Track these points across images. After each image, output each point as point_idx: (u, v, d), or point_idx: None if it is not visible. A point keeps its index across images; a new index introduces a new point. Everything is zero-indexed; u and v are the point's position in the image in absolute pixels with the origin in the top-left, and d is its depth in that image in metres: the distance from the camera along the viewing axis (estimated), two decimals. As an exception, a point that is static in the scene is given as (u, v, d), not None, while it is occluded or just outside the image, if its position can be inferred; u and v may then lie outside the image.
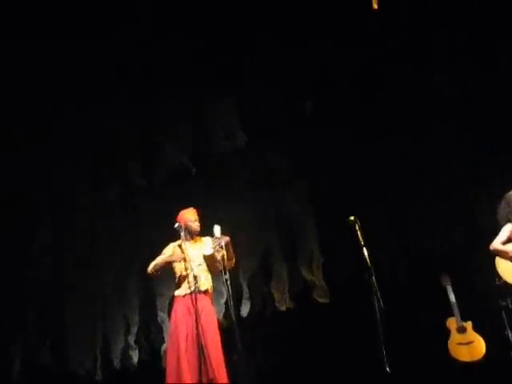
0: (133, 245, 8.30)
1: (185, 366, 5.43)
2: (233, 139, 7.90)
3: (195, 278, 5.68)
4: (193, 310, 5.57)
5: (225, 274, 5.73)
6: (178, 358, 5.48)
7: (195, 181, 8.05)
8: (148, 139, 7.90)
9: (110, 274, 8.36)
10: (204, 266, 5.89)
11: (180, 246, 5.91)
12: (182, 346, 5.51)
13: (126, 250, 8.36)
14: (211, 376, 5.42)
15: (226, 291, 6.01)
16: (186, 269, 5.77)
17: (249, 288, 8.28)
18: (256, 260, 8.30)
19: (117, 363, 8.26)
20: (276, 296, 8.24)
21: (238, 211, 8.19)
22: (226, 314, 7.59)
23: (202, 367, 5.36)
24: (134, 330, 8.34)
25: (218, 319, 6.22)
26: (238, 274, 8.09)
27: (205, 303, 5.72)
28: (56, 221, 8.08)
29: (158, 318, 8.23)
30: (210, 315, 5.74)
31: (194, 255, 5.87)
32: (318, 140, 7.87)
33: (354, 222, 5.78)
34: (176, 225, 5.94)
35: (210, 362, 5.45)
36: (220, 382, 5.44)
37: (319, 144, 7.85)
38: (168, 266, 5.93)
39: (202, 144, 7.95)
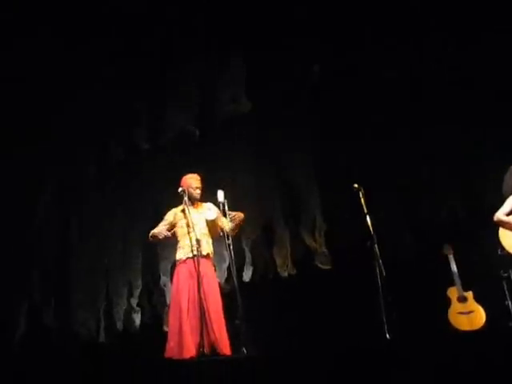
0: (136, 209, 8.34)
1: (187, 328, 5.55)
2: (237, 104, 7.86)
3: (198, 241, 5.76)
4: (195, 274, 5.69)
5: (227, 239, 5.90)
6: (180, 321, 5.59)
7: (199, 146, 8.04)
8: (153, 102, 7.89)
9: (113, 237, 8.42)
10: (205, 231, 5.97)
11: (183, 210, 5.97)
12: (184, 308, 5.62)
13: (129, 214, 8.41)
14: (212, 338, 5.56)
15: (228, 256, 6.12)
16: (188, 233, 5.86)
17: (251, 253, 8.33)
18: (259, 226, 8.32)
19: (119, 325, 8.34)
20: (278, 262, 8.28)
21: (242, 177, 8.22)
22: (228, 279, 7.73)
23: (204, 330, 5.50)
24: (137, 293, 8.40)
25: (219, 284, 6.34)
26: (241, 240, 8.13)
27: (207, 267, 5.81)
28: (61, 182, 8.09)
29: (161, 282, 8.30)
30: (212, 279, 5.85)
31: (196, 219, 5.94)
32: (322, 107, 7.84)
33: (357, 190, 5.81)
34: (180, 189, 6.01)
35: (212, 325, 5.58)
36: (221, 344, 5.56)
37: (324, 111, 7.82)
38: (170, 231, 6.02)
39: (206, 108, 7.93)
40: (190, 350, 5.48)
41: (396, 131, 7.65)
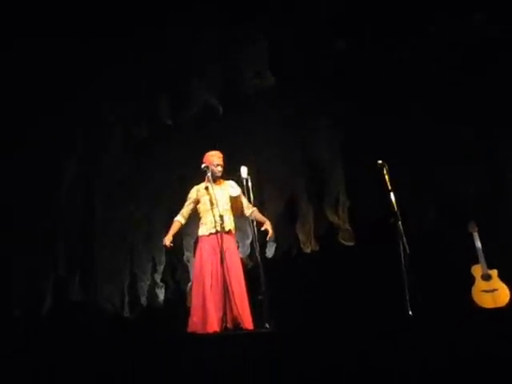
0: (160, 186, 8.39)
1: (210, 303, 5.65)
2: (261, 79, 7.84)
3: (221, 217, 5.82)
4: (218, 249, 5.80)
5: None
6: (204, 296, 5.71)
7: (222, 122, 8.05)
8: (176, 78, 7.89)
9: (137, 212, 8.45)
10: (228, 207, 6.03)
11: (206, 187, 6.03)
12: (207, 284, 5.72)
13: (153, 190, 8.45)
14: (235, 314, 5.65)
15: (251, 232, 6.16)
16: (211, 209, 5.97)
17: (274, 229, 8.25)
18: (282, 202, 8.32)
19: (144, 301, 8.42)
20: (301, 238, 8.29)
21: (266, 152, 8.21)
22: (251, 255, 7.77)
23: (227, 305, 5.61)
24: (161, 268, 8.47)
25: (242, 260, 6.41)
26: (264, 216, 8.09)
27: (229, 243, 5.91)
28: (86, 156, 8.15)
29: (184, 257, 8.38)
30: (235, 255, 5.95)
31: (219, 196, 6.02)
32: (347, 82, 7.78)
33: (381, 166, 5.79)
34: (203, 165, 6.06)
35: (235, 300, 5.68)
36: (244, 319, 5.65)
37: (349, 85, 7.76)
38: (195, 208, 6.13)
39: (230, 83, 7.93)
40: (213, 325, 5.57)
41: (422, 105, 7.59)
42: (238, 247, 6.96)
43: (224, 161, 6.20)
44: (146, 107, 8.03)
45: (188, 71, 7.88)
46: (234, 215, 6.15)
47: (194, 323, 5.72)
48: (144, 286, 8.43)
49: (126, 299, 8.38)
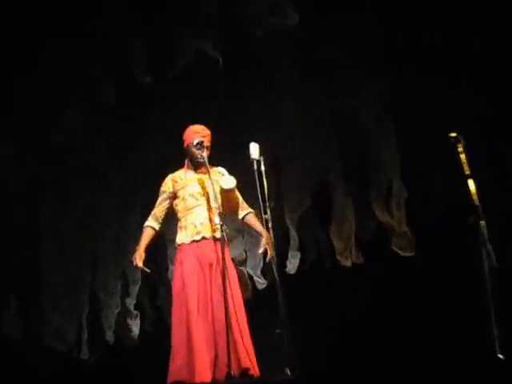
0: (135, 170, 8.48)
1: (198, 338, 5.57)
2: (282, 17, 7.75)
3: (210, 218, 5.86)
4: (205, 261, 5.81)
5: (265, 213, 5.88)
6: (188, 328, 5.62)
7: (222, 80, 8.01)
8: (157, 17, 7.89)
9: (102, 211, 8.52)
10: (217, 204, 5.98)
11: (186, 177, 6.12)
12: (193, 309, 5.67)
13: (125, 177, 8.52)
14: (242, 354, 5.58)
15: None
16: (194, 206, 5.99)
17: (298, 234, 8.33)
18: (309, 194, 8.32)
19: (110, 337, 8.45)
20: (337, 245, 8.27)
21: (285, 123, 8.20)
22: (265, 271, 7.88)
23: (230, 342, 5.47)
24: (135, 290, 8.50)
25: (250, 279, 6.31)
26: (284, 213, 8.17)
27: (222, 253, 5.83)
28: (24, 129, 8.16)
29: (169, 274, 8.27)
30: (231, 270, 5.91)
31: (204, 189, 6.05)
32: (398, 20, 7.75)
33: (455, 141, 5.64)
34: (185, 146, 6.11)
35: (241, 335, 5.64)
36: (253, 362, 5.61)
37: (401, 25, 7.73)
38: (171, 206, 6.14)
39: (234, 24, 7.86)
40: (203, 372, 5.46)
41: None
42: (244, 260, 6.90)
43: (211, 139, 6.11)
44: (114, 59, 8.01)
45: (174, 6, 7.87)
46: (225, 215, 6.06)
47: (178, 369, 5.60)
48: (110, 315, 8.44)
49: (85, 335, 8.37)
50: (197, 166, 6.08)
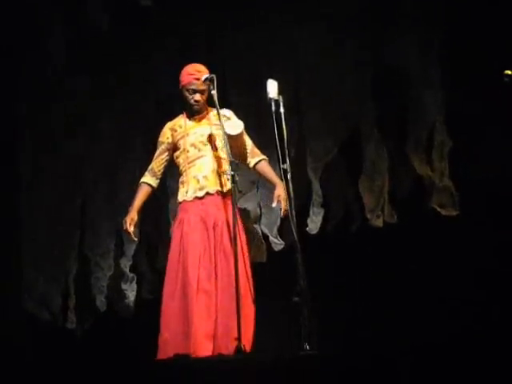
0: (130, 110, 8.50)
1: (199, 308, 5.68)
2: None
3: (232, 164, 5.79)
4: (210, 221, 5.89)
5: (283, 162, 5.91)
6: (186, 295, 5.74)
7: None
8: None
9: (93, 152, 8.57)
10: (223, 153, 6.06)
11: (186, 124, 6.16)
12: (193, 277, 5.74)
13: (118, 119, 8.55)
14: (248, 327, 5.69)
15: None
16: (197, 158, 6.06)
17: (322, 187, 8.33)
18: (336, 140, 8.28)
19: (101, 303, 8.51)
20: (368, 202, 8.25)
21: (310, 57, 8.16)
22: (283, 231, 7.88)
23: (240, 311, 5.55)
24: (131, 249, 8.53)
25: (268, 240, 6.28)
26: (305, 163, 8.17)
27: (229, 210, 5.90)
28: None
29: (171, 231, 8.31)
30: (240, 232, 5.92)
31: (206, 136, 6.11)
32: None
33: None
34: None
35: (249, 307, 5.77)
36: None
37: None
38: (171, 158, 6.23)
39: None
40: (202, 345, 5.60)
41: None
42: (258, 216, 6.94)
43: (210, 81, 6.04)
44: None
45: None
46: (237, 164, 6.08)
47: (166, 342, 5.75)
48: (102, 278, 8.51)
49: (72, 301, 8.45)
50: (193, 112, 6.12)
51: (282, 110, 5.98)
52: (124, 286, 8.53)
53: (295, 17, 8.10)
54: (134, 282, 8.56)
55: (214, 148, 6.02)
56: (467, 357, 4.41)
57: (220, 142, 6.02)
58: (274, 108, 5.99)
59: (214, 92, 5.95)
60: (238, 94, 7.18)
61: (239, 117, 6.21)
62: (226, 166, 5.93)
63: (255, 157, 6.17)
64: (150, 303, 8.45)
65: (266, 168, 6.17)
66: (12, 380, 5.18)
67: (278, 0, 8.10)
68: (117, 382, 4.79)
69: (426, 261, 7.71)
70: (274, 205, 5.98)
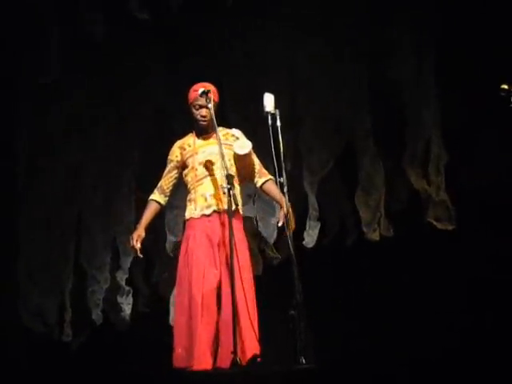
0: (128, 120, 8.46)
1: (201, 324, 5.66)
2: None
3: (223, 187, 5.78)
4: (215, 238, 5.85)
5: (280, 175, 5.88)
6: (191, 312, 5.73)
7: (232, 15, 7.99)
8: None
9: (88, 167, 8.51)
10: (232, 172, 5.98)
11: (195, 143, 6.14)
12: (197, 293, 5.74)
13: (115, 127, 8.51)
14: (250, 341, 5.67)
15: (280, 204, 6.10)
16: (205, 176, 6.03)
17: (318, 201, 8.32)
18: (332, 152, 8.29)
19: (97, 317, 8.48)
20: (364, 216, 8.26)
21: (305, 71, 8.17)
22: (279, 244, 7.88)
23: (237, 327, 5.54)
24: (127, 262, 8.51)
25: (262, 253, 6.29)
26: (302, 177, 8.16)
27: (236, 229, 5.85)
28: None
29: (167, 245, 8.38)
30: (244, 248, 5.96)
31: (215, 155, 6.03)
32: None
33: (509, 94, 5.71)
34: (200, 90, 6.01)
35: (250, 320, 5.70)
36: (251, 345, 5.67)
37: None
38: (179, 176, 6.21)
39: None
40: (203, 359, 5.59)
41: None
42: (255, 230, 6.94)
43: (215, 96, 6.07)
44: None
45: None
46: (241, 184, 6.17)
47: (178, 357, 5.74)
48: (98, 291, 8.50)
49: (68, 314, 8.41)
50: (201, 130, 6.12)
51: (278, 123, 5.96)
52: (120, 300, 8.51)
53: (291, 31, 8.10)
54: (130, 295, 8.55)
55: (222, 167, 5.91)
56: (463, 367, 4.46)
57: (228, 161, 5.97)
58: (270, 121, 5.99)
59: (210, 106, 5.92)
60: (235, 107, 7.13)
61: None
62: (235, 184, 5.93)
63: (262, 177, 6.15)
64: (146, 316, 8.50)
65: (272, 188, 6.13)
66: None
67: (274, 12, 8.08)
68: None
69: (421, 274, 7.73)
70: (279, 224, 5.94)
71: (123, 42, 8.16)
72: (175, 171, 6.17)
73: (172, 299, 8.06)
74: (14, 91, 8.32)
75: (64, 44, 7.91)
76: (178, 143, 6.22)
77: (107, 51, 8.17)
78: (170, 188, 6.19)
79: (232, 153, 6.03)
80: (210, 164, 5.98)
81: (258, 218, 8.07)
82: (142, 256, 6.06)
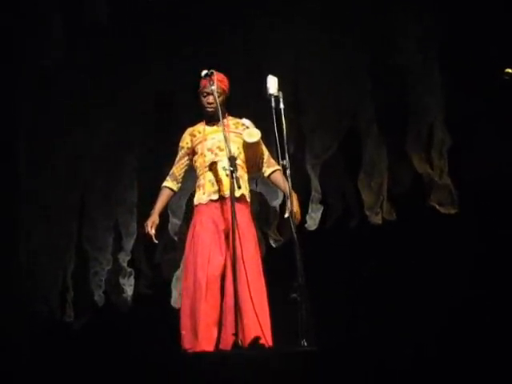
0: (130, 101, 8.43)
1: (205, 306, 5.69)
2: None
3: (232, 174, 5.76)
4: (222, 224, 5.86)
5: (283, 158, 5.85)
6: (195, 295, 5.76)
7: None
8: None
9: (92, 147, 8.51)
10: (240, 160, 6.04)
11: (205, 130, 6.15)
12: (202, 278, 5.76)
13: (118, 109, 8.49)
14: (252, 324, 5.64)
15: (283, 188, 6.10)
16: (212, 164, 6.01)
17: (321, 184, 8.33)
18: (334, 138, 8.26)
19: (99, 298, 8.53)
20: (366, 199, 8.27)
21: (310, 51, 8.15)
22: (282, 226, 7.90)
23: (240, 311, 5.58)
24: (130, 243, 8.54)
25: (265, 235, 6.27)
26: (305, 160, 8.16)
27: (242, 215, 5.89)
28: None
29: (169, 227, 8.40)
30: (250, 233, 5.96)
31: (223, 142, 5.99)
32: None
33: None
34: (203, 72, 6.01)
35: (252, 302, 5.67)
36: (265, 333, 5.66)
37: None
38: (190, 163, 6.21)
39: None
40: (206, 341, 5.63)
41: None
42: (257, 212, 6.93)
43: (224, 85, 6.09)
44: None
45: None
46: (249, 172, 6.17)
47: (185, 337, 5.79)
48: (100, 272, 8.52)
49: (70, 295, 8.47)
50: (209, 117, 6.11)
51: (281, 106, 5.92)
52: (122, 281, 8.53)
53: (294, 15, 8.07)
54: (132, 276, 8.57)
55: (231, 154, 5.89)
56: (465, 351, 4.46)
57: (237, 150, 6.02)
58: (273, 104, 5.96)
59: (213, 88, 5.91)
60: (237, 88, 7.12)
61: (237, 113, 6.21)
62: (241, 172, 5.97)
63: (270, 167, 6.16)
64: (148, 298, 8.50)
65: (279, 178, 6.13)
66: (10, 373, 5.19)
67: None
68: (114, 375, 4.76)
69: (424, 257, 7.72)
70: (286, 215, 5.90)
71: (124, 28, 8.10)
72: (186, 158, 6.19)
73: (174, 281, 8.12)
74: (16, 72, 8.30)
75: (66, 28, 7.86)
76: (189, 130, 6.24)
77: (108, 38, 8.12)
78: (182, 174, 6.21)
79: (241, 141, 6.04)
80: (218, 150, 5.98)
81: (260, 201, 8.07)
82: (157, 242, 6.15)
